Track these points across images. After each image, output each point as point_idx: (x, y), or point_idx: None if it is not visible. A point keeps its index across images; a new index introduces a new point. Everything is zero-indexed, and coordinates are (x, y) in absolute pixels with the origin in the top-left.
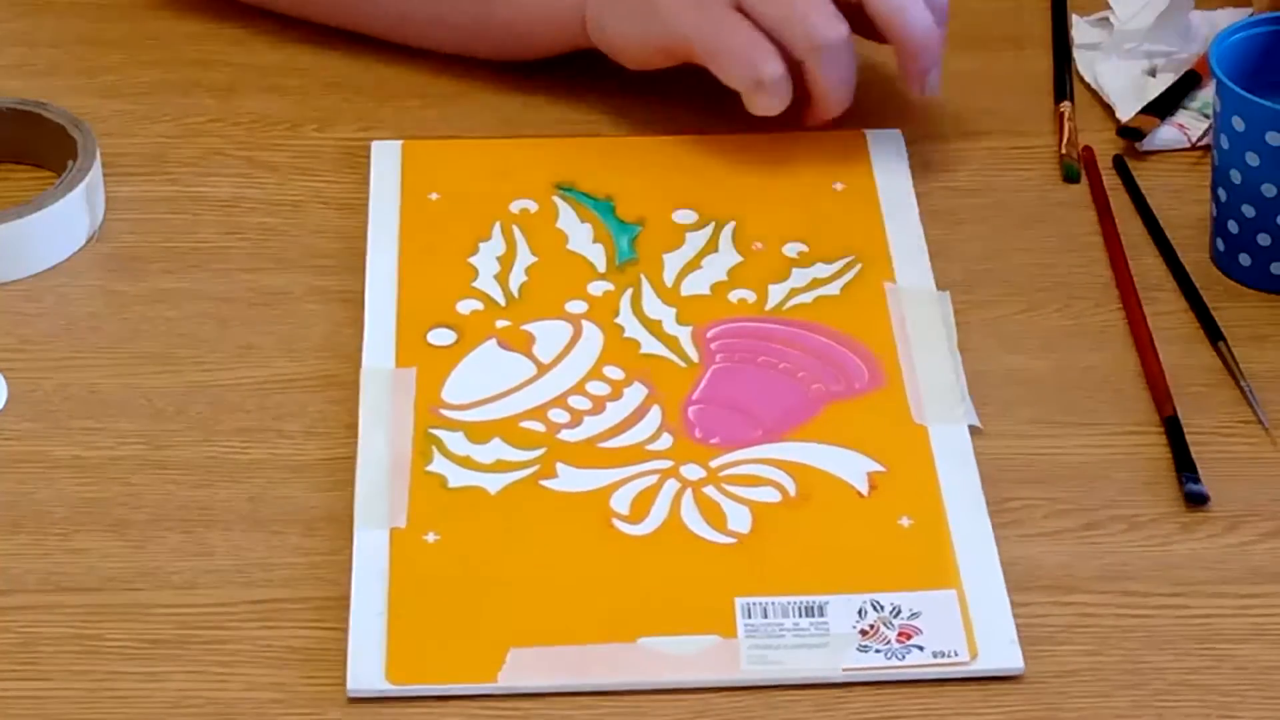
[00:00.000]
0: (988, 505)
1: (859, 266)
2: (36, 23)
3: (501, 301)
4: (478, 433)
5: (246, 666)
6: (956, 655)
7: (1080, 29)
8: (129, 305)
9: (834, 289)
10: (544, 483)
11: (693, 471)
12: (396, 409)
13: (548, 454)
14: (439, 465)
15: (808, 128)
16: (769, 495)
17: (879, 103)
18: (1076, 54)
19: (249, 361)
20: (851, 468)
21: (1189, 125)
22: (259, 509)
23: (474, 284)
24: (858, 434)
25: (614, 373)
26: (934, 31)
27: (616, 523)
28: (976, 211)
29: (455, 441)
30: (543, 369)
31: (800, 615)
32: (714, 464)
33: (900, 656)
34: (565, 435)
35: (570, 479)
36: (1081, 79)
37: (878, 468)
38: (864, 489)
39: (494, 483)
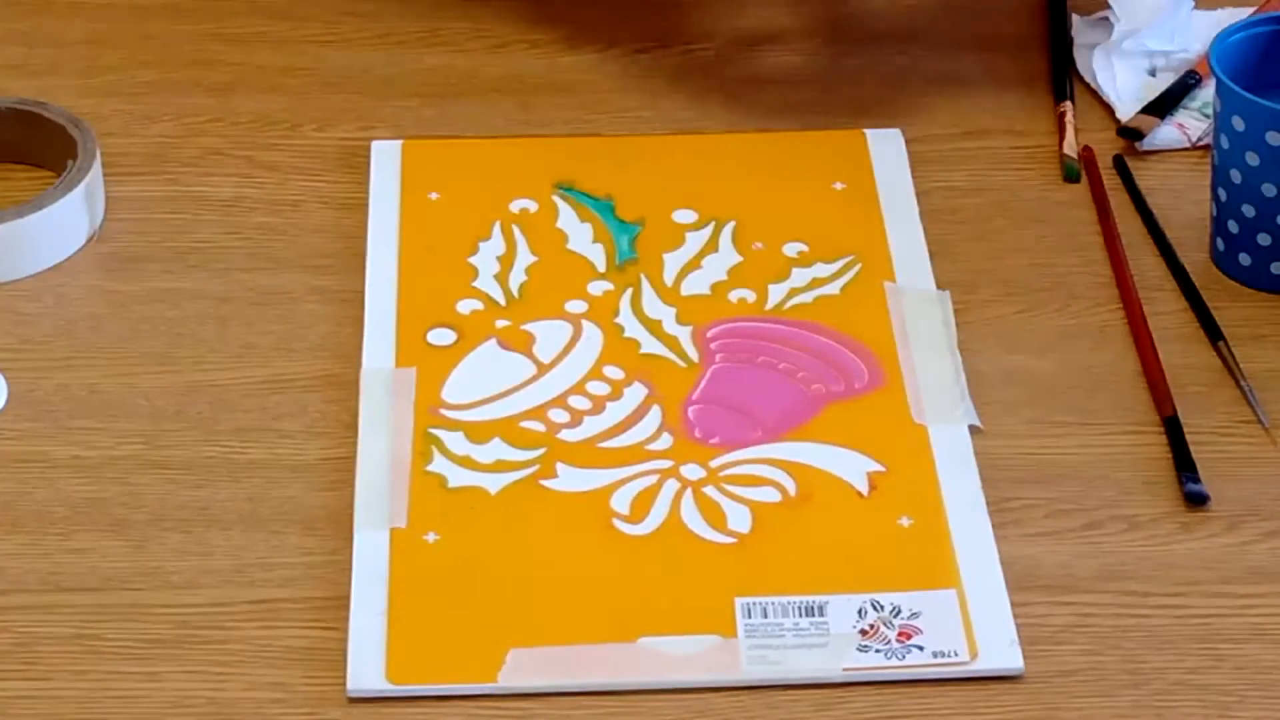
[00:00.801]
0: (987, 505)
1: (859, 266)
2: (36, 23)
3: (501, 301)
4: (478, 433)
5: (246, 666)
6: (956, 655)
7: (1080, 29)
8: (129, 305)
9: (834, 289)
10: (544, 483)
11: (693, 471)
12: (396, 409)
13: (548, 454)
14: (439, 465)
15: None
16: (769, 495)
17: (879, 103)
18: (1076, 54)
19: (249, 361)
20: (851, 468)
21: (1189, 125)
22: (259, 509)
23: (474, 284)
24: (858, 434)
25: (614, 372)
26: None
27: (617, 523)
28: (976, 211)
29: (455, 441)
30: (543, 369)
31: (800, 615)
32: (714, 464)
33: (900, 656)
34: (565, 435)
35: (570, 479)
36: (1081, 79)
37: (878, 468)
38: (864, 489)
39: (494, 483)
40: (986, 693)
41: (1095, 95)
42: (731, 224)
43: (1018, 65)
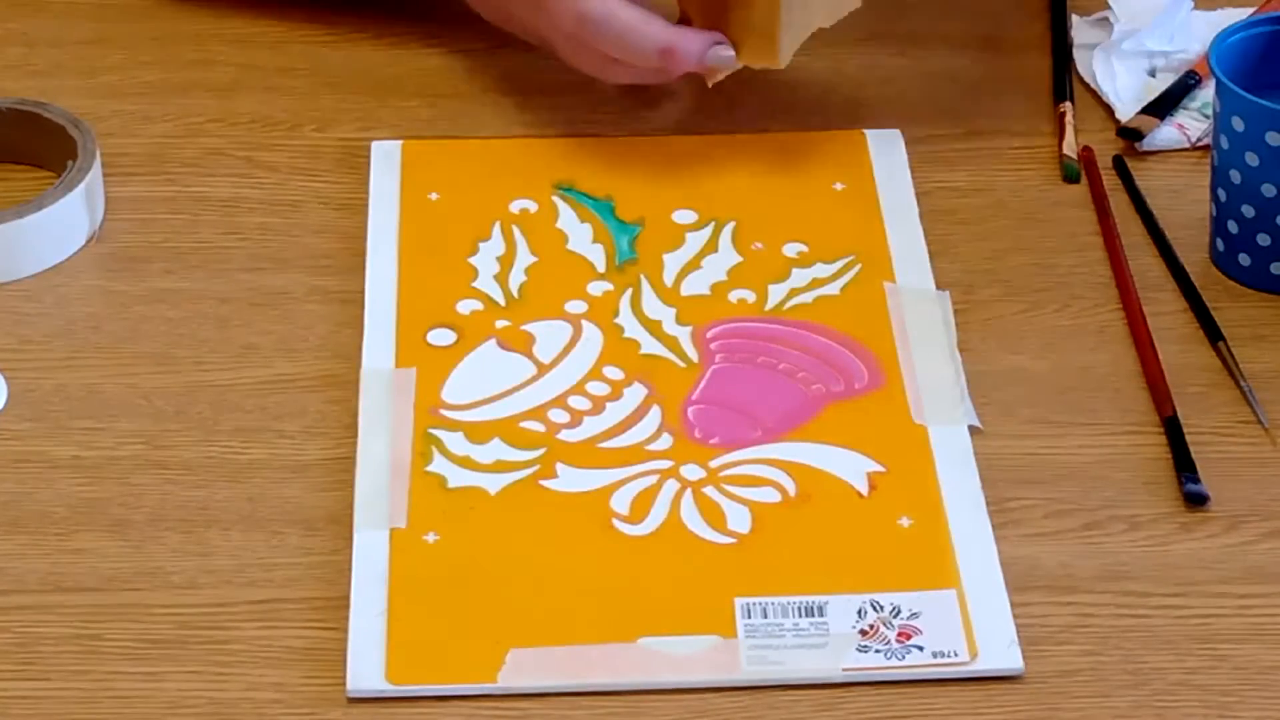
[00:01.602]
0: (987, 505)
1: (859, 266)
2: (36, 23)
3: (501, 302)
4: (477, 433)
5: (246, 666)
6: (956, 655)
7: (1080, 29)
8: (129, 305)
9: (834, 289)
10: (544, 483)
11: (692, 472)
12: (396, 409)
13: (547, 454)
14: (439, 465)
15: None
16: (769, 495)
17: (879, 103)
18: (1076, 54)
19: (249, 361)
20: (851, 468)
21: (1189, 125)
22: (259, 509)
23: (474, 284)
24: (857, 434)
25: (614, 373)
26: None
27: (616, 523)
28: (976, 211)
29: (455, 442)
30: (543, 369)
31: (800, 615)
32: (714, 464)
33: (900, 657)
34: (565, 435)
35: (570, 479)
36: (1081, 79)
37: (877, 468)
38: (864, 489)
39: (494, 483)
40: (986, 693)
41: (1095, 95)
42: (731, 224)
43: (1018, 65)
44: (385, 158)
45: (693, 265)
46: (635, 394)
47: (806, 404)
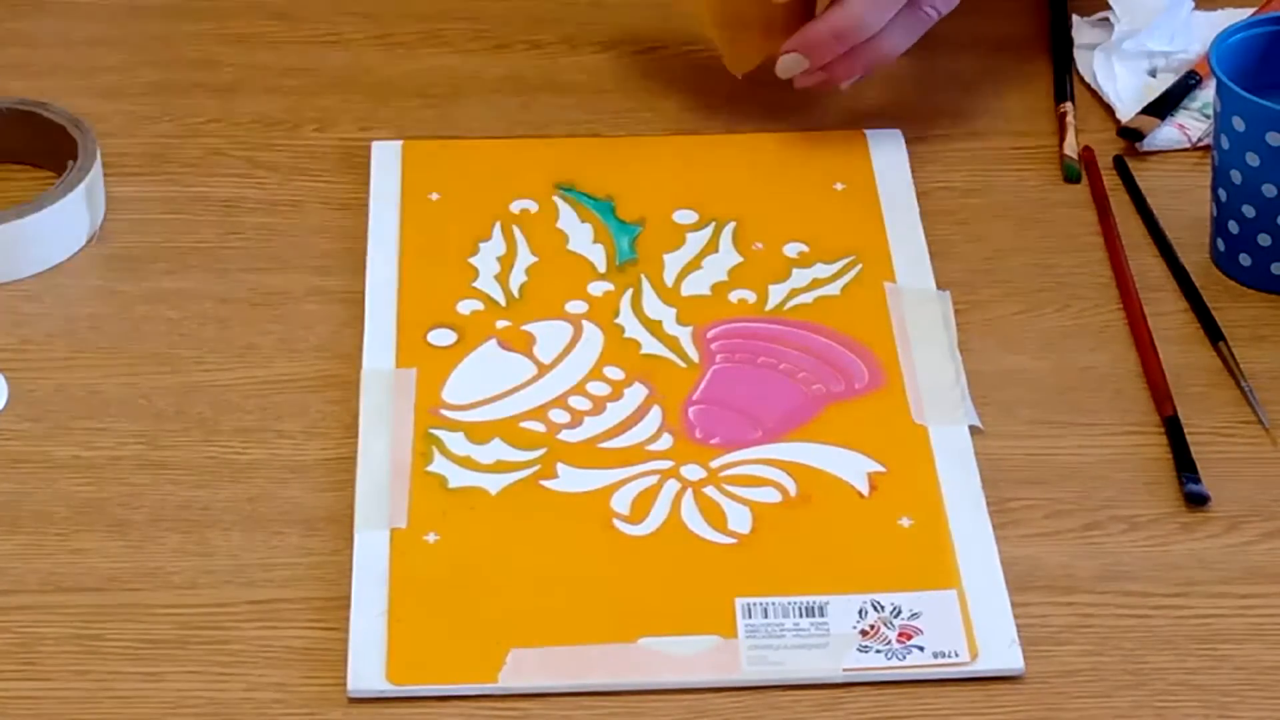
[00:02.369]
0: (988, 505)
1: (859, 267)
2: (36, 23)
3: (502, 302)
4: (478, 433)
5: (246, 666)
6: (957, 656)
7: (1080, 29)
8: (129, 305)
9: (834, 289)
10: (544, 483)
11: (693, 472)
12: (397, 410)
13: (548, 454)
14: (439, 466)
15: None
16: (769, 495)
17: (879, 103)
18: (1076, 54)
19: (249, 361)
20: (852, 468)
21: (1189, 125)
22: (259, 509)
23: (474, 284)
24: (858, 434)
25: (614, 373)
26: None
27: (617, 523)
28: (976, 211)
29: (455, 442)
30: (543, 369)
31: (800, 615)
32: (714, 464)
33: (900, 657)
34: (565, 436)
35: (570, 479)
36: (1081, 79)
37: (878, 468)
38: (864, 489)
39: (494, 483)
40: (986, 693)
41: (1095, 96)
42: (732, 224)
43: (1018, 65)
44: (386, 158)
45: (693, 265)
46: (636, 394)
47: (807, 404)
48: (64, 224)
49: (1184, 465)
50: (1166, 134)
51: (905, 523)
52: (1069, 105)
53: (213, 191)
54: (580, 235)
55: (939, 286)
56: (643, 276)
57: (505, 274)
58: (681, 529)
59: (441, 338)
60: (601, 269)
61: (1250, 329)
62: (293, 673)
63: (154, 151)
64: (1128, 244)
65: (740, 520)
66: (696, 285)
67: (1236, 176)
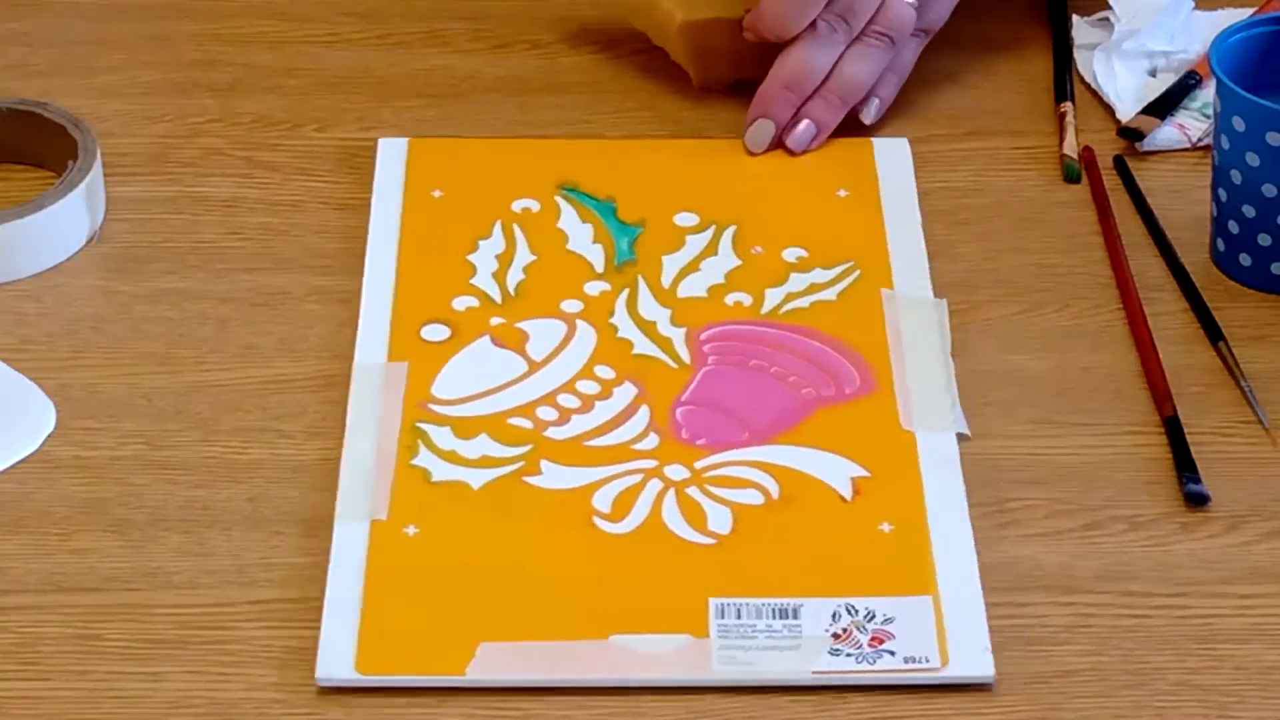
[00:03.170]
0: (988, 506)
1: (858, 273)
2: (36, 23)
3: (497, 299)
4: (465, 428)
5: (246, 666)
6: (928, 661)
7: (1080, 29)
8: (129, 305)
9: (831, 294)
10: (527, 479)
11: (676, 472)
12: (386, 403)
13: (534, 451)
14: (424, 459)
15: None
16: (751, 497)
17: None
18: (1076, 54)
19: (249, 361)
20: (836, 472)
21: (1189, 125)
22: (259, 509)
23: (471, 281)
24: (845, 438)
25: (605, 372)
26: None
27: (597, 520)
28: (976, 211)
29: (442, 436)
30: (534, 366)
31: (773, 617)
32: (699, 465)
33: (871, 661)
34: (552, 433)
35: (554, 476)
36: (1081, 79)
37: (862, 473)
38: (847, 493)
39: (477, 478)
40: (986, 692)
41: (1095, 95)
42: (732, 228)
43: (1018, 65)
44: (391, 155)
45: (691, 267)
46: (625, 393)
47: (796, 407)
48: (64, 224)
49: (1184, 465)
50: (1166, 134)
51: (885, 528)
52: (1069, 105)
53: (213, 191)
54: (580, 235)
55: (939, 287)
56: (640, 277)
57: (503, 272)
58: (661, 528)
59: (435, 333)
60: (599, 269)
61: (1250, 329)
62: (292, 672)
63: (154, 151)
64: (1128, 244)
65: (720, 521)
66: (693, 287)
67: (1236, 176)
